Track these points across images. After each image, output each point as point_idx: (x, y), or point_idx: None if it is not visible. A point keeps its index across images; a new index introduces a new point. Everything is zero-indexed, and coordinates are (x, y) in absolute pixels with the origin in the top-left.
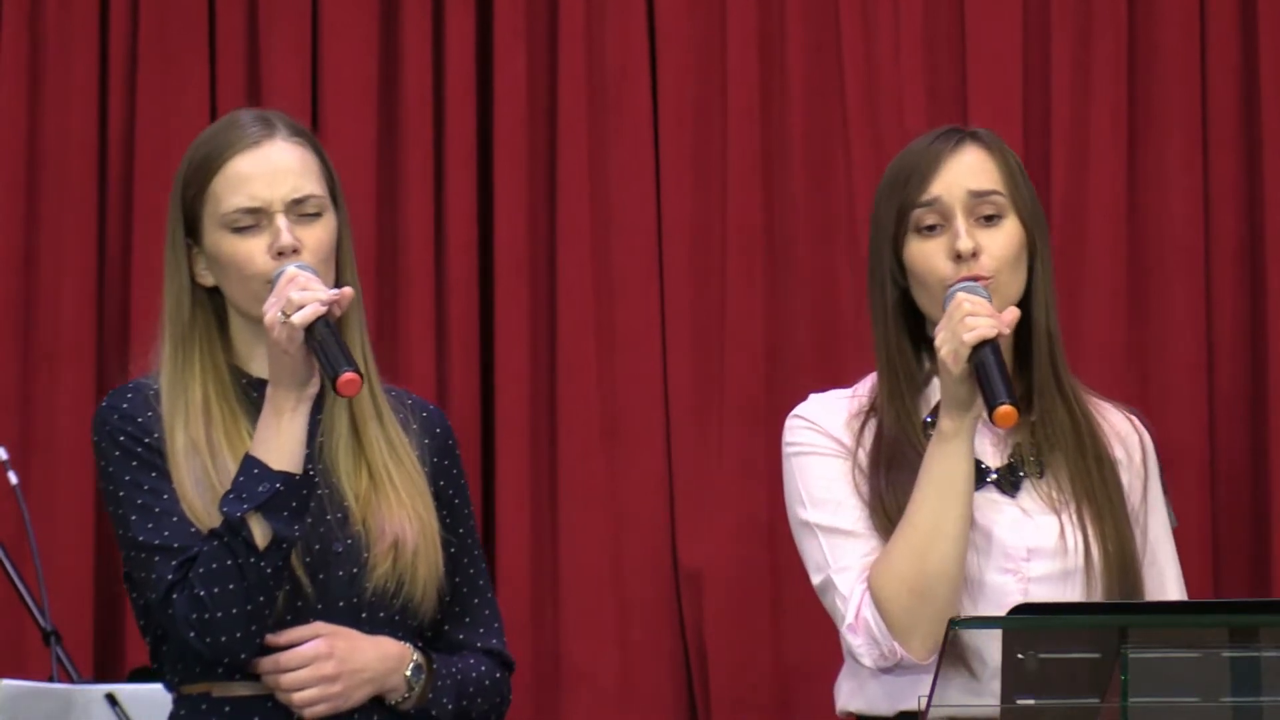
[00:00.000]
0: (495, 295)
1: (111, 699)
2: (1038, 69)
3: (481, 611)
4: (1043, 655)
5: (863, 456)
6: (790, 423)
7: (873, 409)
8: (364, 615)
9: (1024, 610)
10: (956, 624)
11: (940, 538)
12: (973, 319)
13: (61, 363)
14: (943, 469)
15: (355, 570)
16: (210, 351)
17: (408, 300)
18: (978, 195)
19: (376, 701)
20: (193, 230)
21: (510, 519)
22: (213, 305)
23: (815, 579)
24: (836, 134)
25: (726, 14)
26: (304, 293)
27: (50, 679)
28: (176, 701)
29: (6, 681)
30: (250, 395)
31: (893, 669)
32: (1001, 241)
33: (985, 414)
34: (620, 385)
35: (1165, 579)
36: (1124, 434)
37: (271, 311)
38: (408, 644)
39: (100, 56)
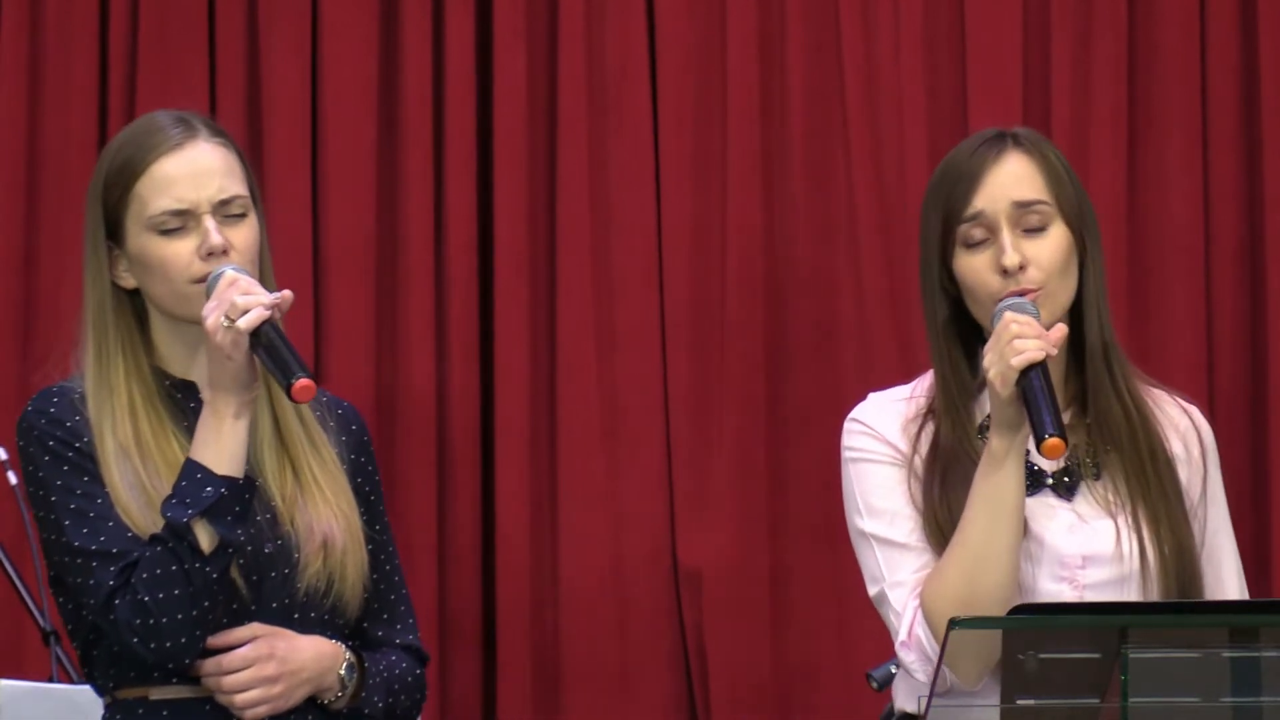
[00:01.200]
0: (495, 295)
1: None
2: (1038, 69)
3: (398, 608)
4: (1043, 655)
5: (918, 463)
6: (848, 426)
7: (930, 411)
8: (296, 616)
9: (1024, 610)
10: (956, 624)
11: (991, 559)
12: (1020, 341)
13: (61, 363)
14: (993, 489)
15: (287, 571)
16: (134, 354)
17: (408, 300)
18: (1022, 206)
19: (310, 701)
20: (114, 233)
21: (510, 519)
22: (132, 307)
23: (871, 590)
24: (836, 134)
25: (726, 14)
26: (248, 297)
27: (50, 679)
28: (110, 707)
29: (6, 681)
30: (174, 397)
31: (946, 692)
32: (1048, 251)
33: (1033, 445)
34: (620, 385)
35: (1222, 575)
36: (1182, 429)
37: (214, 315)
38: (340, 643)
39: (100, 56)
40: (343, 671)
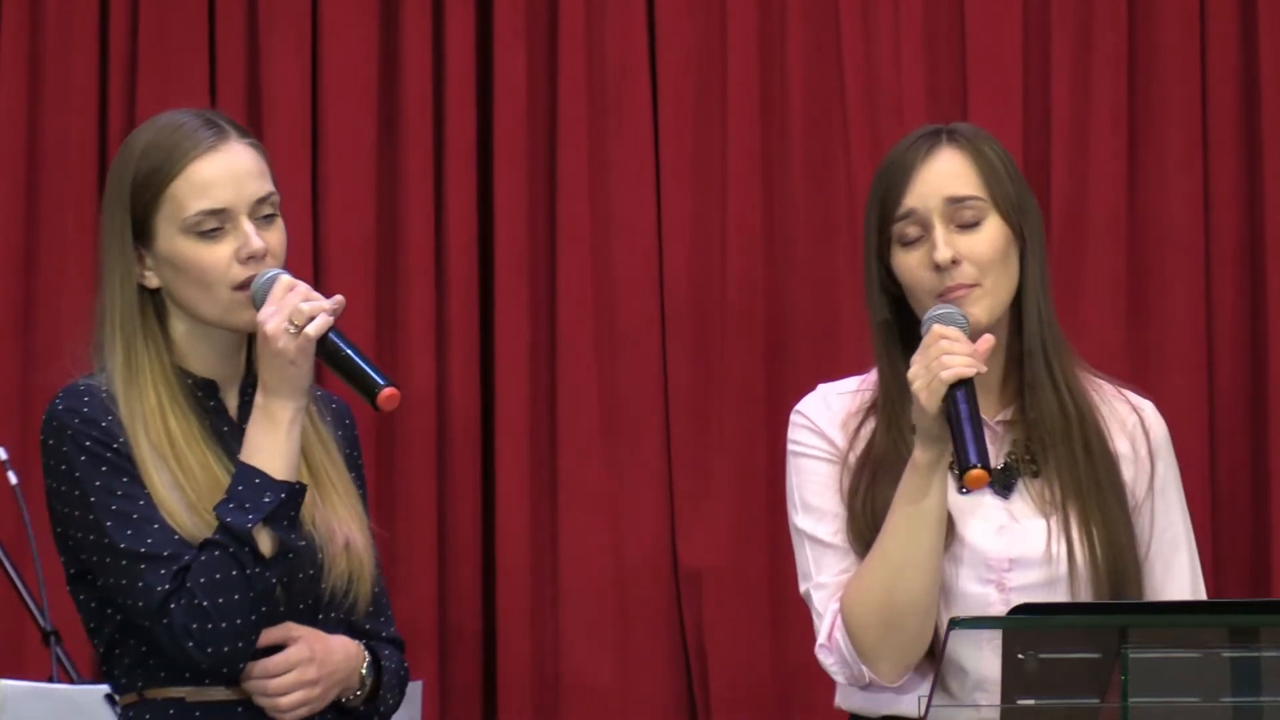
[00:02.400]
0: (495, 295)
1: (112, 699)
2: (1038, 69)
3: (381, 600)
4: (1043, 655)
5: (853, 460)
6: (793, 418)
7: (874, 407)
8: (320, 616)
9: (1024, 610)
10: (957, 624)
11: (910, 570)
12: (949, 357)
13: (61, 363)
14: (914, 500)
15: (312, 571)
16: (158, 354)
17: (408, 300)
18: (955, 201)
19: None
20: (141, 233)
21: (510, 519)
22: (154, 305)
23: (801, 586)
24: (836, 134)
25: (726, 14)
26: (311, 303)
27: (50, 679)
28: (135, 706)
29: (6, 681)
30: (196, 395)
31: (867, 688)
32: (983, 246)
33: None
34: (620, 385)
35: (1173, 571)
36: (1129, 426)
37: (275, 321)
38: (360, 642)
39: (100, 56)
40: (364, 670)
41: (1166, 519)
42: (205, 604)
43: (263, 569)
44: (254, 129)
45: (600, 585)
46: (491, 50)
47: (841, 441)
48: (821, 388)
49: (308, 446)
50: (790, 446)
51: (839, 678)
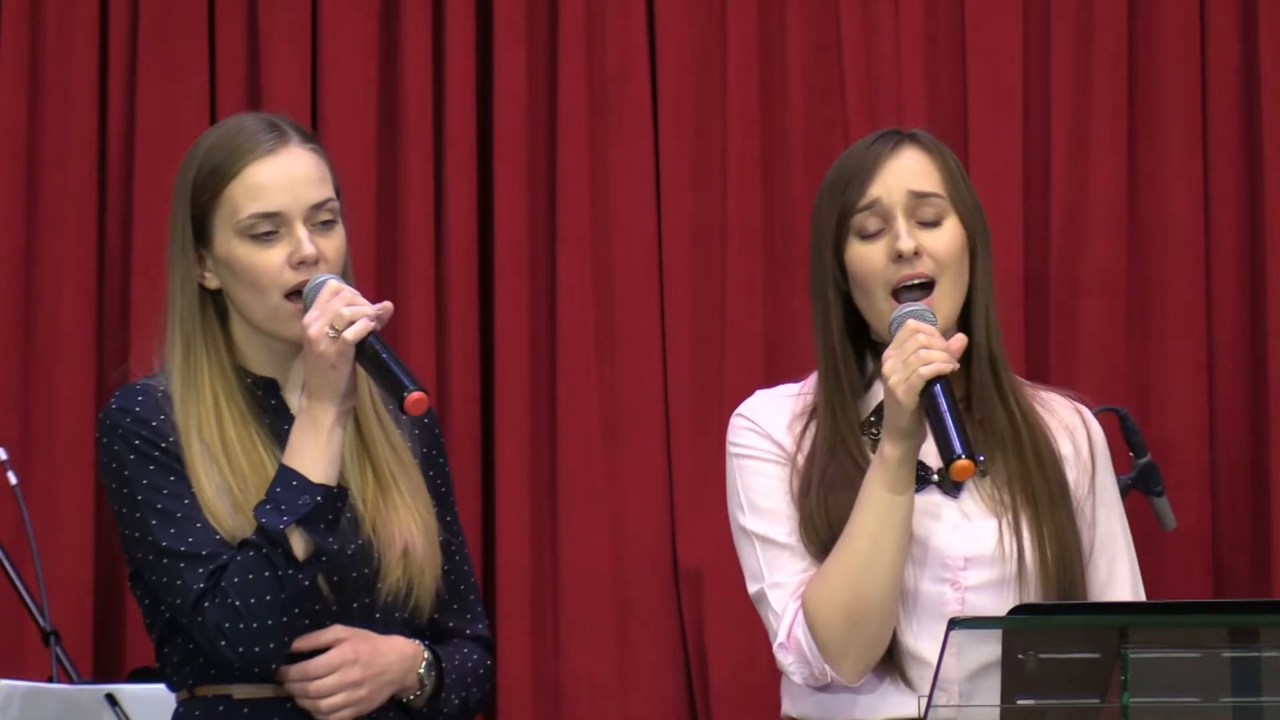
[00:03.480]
0: (495, 295)
1: (111, 699)
2: (1038, 69)
3: (468, 597)
4: (1043, 655)
5: (801, 461)
6: (734, 421)
7: (816, 410)
8: (378, 616)
9: (1024, 610)
10: (956, 624)
11: (877, 566)
12: (927, 352)
13: (61, 363)
14: (883, 495)
15: (367, 572)
16: (217, 354)
17: (408, 300)
18: (918, 196)
19: (391, 699)
20: (200, 234)
21: (510, 519)
22: (215, 305)
23: (751, 588)
24: (836, 134)
25: (726, 14)
26: (353, 308)
27: (50, 679)
28: (188, 702)
29: (6, 681)
30: (255, 394)
31: (824, 688)
32: (944, 242)
33: (942, 465)
34: (620, 385)
35: (1115, 571)
36: (1072, 427)
37: (317, 325)
38: (419, 642)
39: (100, 56)
40: (422, 670)
41: (1109, 523)
42: (237, 604)
43: (295, 571)
44: None
45: (600, 585)
46: (491, 50)
47: (789, 443)
48: (760, 392)
49: (373, 448)
50: (733, 449)
51: (796, 677)
